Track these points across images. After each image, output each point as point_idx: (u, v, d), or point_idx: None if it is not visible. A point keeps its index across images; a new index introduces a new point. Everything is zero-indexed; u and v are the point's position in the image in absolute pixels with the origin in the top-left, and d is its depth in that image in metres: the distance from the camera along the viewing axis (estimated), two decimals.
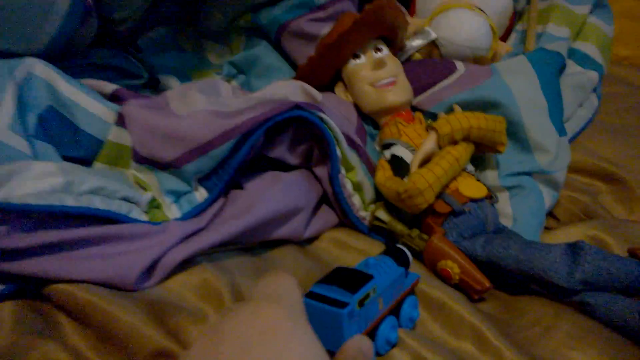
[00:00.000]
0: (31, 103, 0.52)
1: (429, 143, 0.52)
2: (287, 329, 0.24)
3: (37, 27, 0.55)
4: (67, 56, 0.68)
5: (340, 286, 0.34)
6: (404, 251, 0.42)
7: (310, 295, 0.34)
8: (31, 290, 0.42)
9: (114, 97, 0.58)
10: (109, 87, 0.59)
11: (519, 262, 0.44)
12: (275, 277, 0.29)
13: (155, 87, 0.76)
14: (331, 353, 0.27)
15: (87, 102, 0.55)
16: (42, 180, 0.43)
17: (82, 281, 0.41)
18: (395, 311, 0.39)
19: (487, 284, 0.44)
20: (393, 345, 0.37)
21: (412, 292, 0.41)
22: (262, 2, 0.76)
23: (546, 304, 0.44)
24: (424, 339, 0.38)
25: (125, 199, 0.48)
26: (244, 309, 0.26)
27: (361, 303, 0.34)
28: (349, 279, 0.35)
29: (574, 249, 0.43)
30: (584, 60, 0.75)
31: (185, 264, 0.45)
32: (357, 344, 0.31)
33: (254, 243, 0.51)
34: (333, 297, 0.33)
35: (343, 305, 0.33)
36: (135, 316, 0.38)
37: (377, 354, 0.37)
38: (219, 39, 0.86)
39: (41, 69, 0.53)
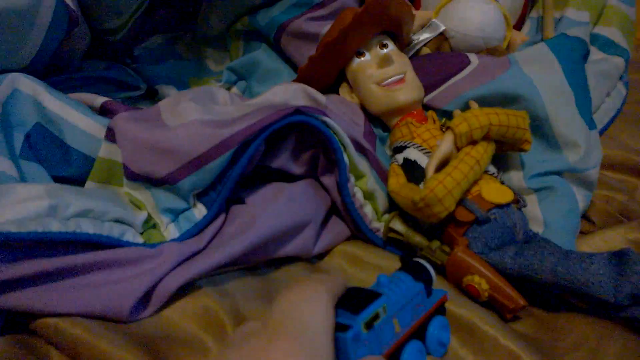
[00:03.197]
0: (17, 121, 0.49)
1: (446, 144, 0.47)
2: None
3: (20, 40, 0.52)
4: (59, 70, 0.65)
5: (344, 307, 0.30)
6: (422, 265, 0.37)
7: None
8: (20, 323, 0.38)
9: (103, 110, 0.55)
10: (99, 99, 0.56)
11: (556, 275, 0.39)
12: (300, 292, 0.23)
13: (153, 98, 0.73)
14: None
15: (75, 117, 0.52)
16: (25, 204, 0.39)
17: (72, 314, 0.37)
18: (421, 334, 0.34)
19: (522, 302, 0.39)
20: None
21: (439, 312, 0.36)
22: (260, 3, 0.72)
23: (589, 321, 0.39)
24: None
25: (118, 221, 0.44)
26: (252, 345, 0.21)
27: (369, 325, 0.30)
28: (353, 298, 0.31)
29: (619, 258, 0.38)
30: (608, 46, 0.70)
31: (184, 288, 0.41)
32: None
33: (259, 262, 0.47)
34: (337, 321, 0.29)
35: (345, 328, 0.29)
36: (129, 352, 0.34)
37: None
38: (217, 44, 0.82)
39: (26, 85, 0.50)
